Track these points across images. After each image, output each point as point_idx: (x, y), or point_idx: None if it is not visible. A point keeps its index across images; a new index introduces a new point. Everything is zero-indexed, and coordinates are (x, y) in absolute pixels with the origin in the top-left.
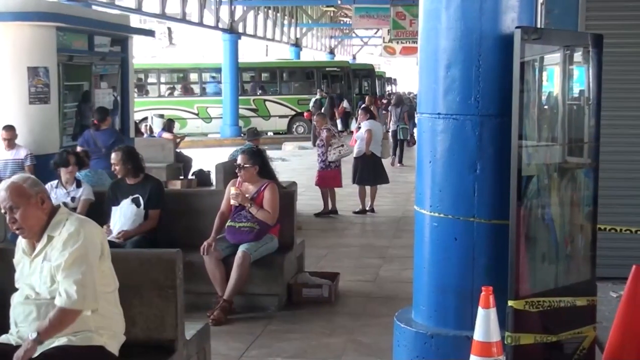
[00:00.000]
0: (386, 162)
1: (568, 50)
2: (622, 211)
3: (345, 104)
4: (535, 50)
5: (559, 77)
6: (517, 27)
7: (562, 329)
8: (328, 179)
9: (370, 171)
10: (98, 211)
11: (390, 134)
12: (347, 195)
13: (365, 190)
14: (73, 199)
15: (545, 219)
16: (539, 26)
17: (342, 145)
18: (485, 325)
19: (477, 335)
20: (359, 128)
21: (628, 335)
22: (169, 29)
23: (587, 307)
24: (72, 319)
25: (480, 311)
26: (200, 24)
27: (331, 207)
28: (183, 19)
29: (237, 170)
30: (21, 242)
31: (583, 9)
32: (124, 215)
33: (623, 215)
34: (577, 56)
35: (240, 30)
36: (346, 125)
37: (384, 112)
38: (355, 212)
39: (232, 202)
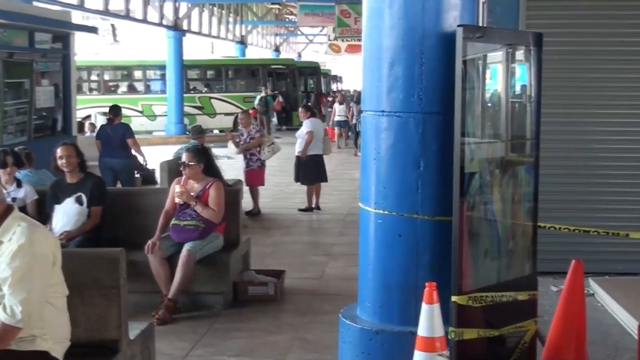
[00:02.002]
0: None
1: (510, 48)
2: (559, 207)
3: (280, 99)
4: (477, 49)
5: (501, 75)
6: (459, 26)
7: (505, 324)
8: (259, 177)
9: (315, 170)
10: (40, 211)
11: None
12: (292, 193)
13: (313, 188)
14: (14, 199)
15: (487, 215)
16: (480, 25)
17: (273, 143)
18: (429, 320)
19: (421, 330)
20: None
21: (568, 328)
22: (112, 25)
23: (528, 302)
24: (15, 336)
25: (424, 307)
26: (144, 20)
27: (254, 207)
28: (127, 16)
29: (181, 169)
30: None
31: (524, 8)
32: (66, 214)
33: (561, 211)
34: (519, 54)
35: (185, 27)
36: (285, 121)
37: (329, 109)
38: (300, 210)
39: (177, 200)
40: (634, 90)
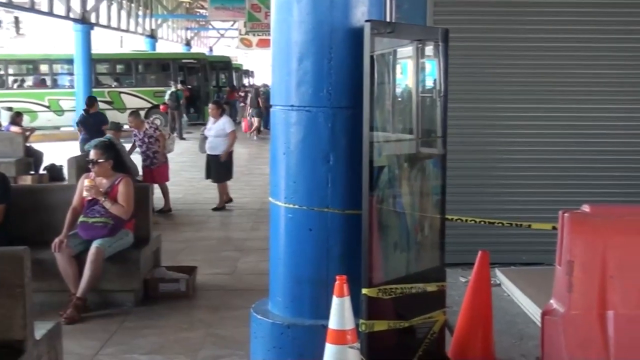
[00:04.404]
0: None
1: (420, 44)
2: (467, 200)
3: (183, 87)
4: (386, 44)
5: (411, 71)
6: (366, 21)
7: (414, 315)
8: (166, 173)
9: (228, 166)
10: None
11: None
12: (204, 188)
13: (225, 185)
14: None
15: (396, 208)
16: (388, 20)
17: (170, 135)
18: (340, 313)
19: (332, 323)
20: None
21: (475, 318)
22: (16, 18)
23: (437, 293)
24: None
25: (335, 300)
26: (50, 13)
27: (165, 204)
28: (32, 8)
29: (90, 166)
30: None
31: (431, 4)
32: None
33: (469, 203)
34: (428, 50)
35: (93, 20)
36: (197, 116)
37: (241, 104)
38: (215, 209)
39: (85, 194)
40: (539, 85)
